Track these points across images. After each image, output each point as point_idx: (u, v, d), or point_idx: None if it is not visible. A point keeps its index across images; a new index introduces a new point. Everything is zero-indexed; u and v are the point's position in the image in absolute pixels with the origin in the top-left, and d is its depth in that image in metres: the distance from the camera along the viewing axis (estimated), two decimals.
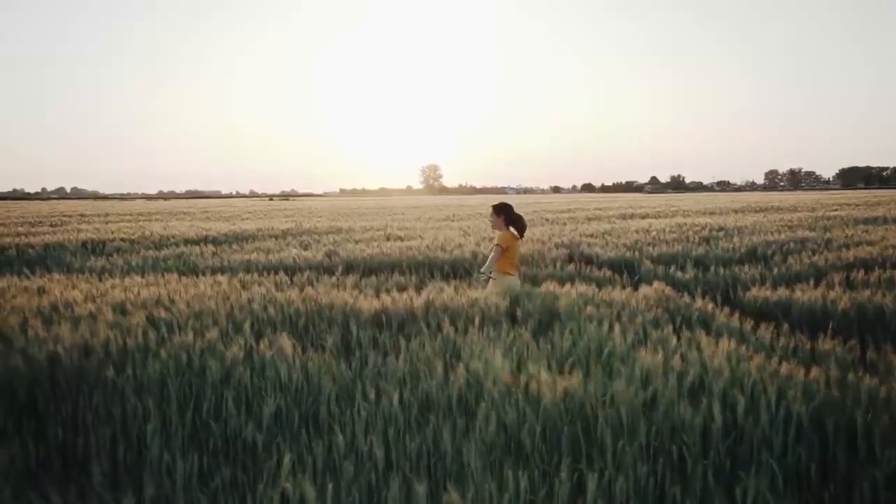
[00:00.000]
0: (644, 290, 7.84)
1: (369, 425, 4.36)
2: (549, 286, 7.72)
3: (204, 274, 10.26)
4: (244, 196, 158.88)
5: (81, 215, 27.35)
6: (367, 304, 6.92)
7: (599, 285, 8.08)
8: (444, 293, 7.28)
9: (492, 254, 7.44)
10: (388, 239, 14.12)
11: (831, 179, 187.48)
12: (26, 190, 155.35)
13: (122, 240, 14.29)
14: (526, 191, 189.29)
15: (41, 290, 7.93)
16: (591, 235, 14.48)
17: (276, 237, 15.01)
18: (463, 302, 6.93)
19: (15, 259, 12.43)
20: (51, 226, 20.60)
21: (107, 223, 21.69)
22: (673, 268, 10.32)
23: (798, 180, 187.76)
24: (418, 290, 8.19)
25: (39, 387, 4.75)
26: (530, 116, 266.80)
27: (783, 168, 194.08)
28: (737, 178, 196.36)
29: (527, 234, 14.86)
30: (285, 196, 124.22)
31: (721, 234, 14.42)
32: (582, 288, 7.65)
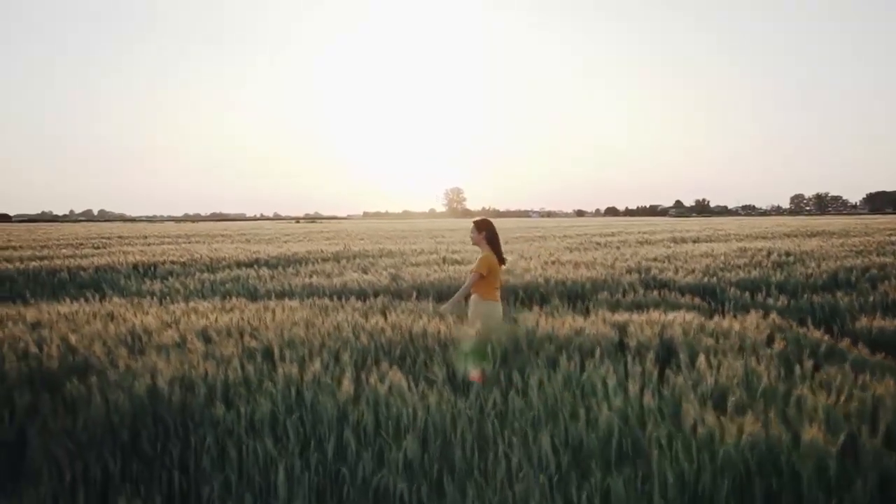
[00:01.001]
0: (749, 318, 7.32)
1: (517, 473, 3.89)
2: (654, 315, 7.22)
3: (268, 298, 9.87)
4: (269, 218, 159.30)
5: (120, 237, 27.15)
6: (465, 332, 6.47)
7: (703, 313, 7.58)
8: (544, 321, 6.80)
9: (468, 280, 6.80)
10: (444, 262, 13.66)
11: (858, 204, 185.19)
12: (54, 212, 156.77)
13: (173, 262, 13.95)
14: (549, 214, 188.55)
15: (111, 316, 7.55)
16: (655, 259, 13.94)
17: (329, 260, 14.59)
18: (567, 331, 6.45)
19: (68, 282, 12.11)
20: (94, 248, 20.35)
21: (149, 245, 21.43)
22: (759, 295, 9.79)
23: (825, 205, 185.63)
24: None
25: (143, 425, 4.32)
26: (552, 140, 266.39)
27: (808, 192, 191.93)
28: (762, 203, 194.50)
29: (589, 257, 14.43)
30: (311, 218, 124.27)
31: (790, 259, 13.81)
32: (688, 316, 7.15)
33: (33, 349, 5.53)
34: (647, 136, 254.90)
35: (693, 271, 11.65)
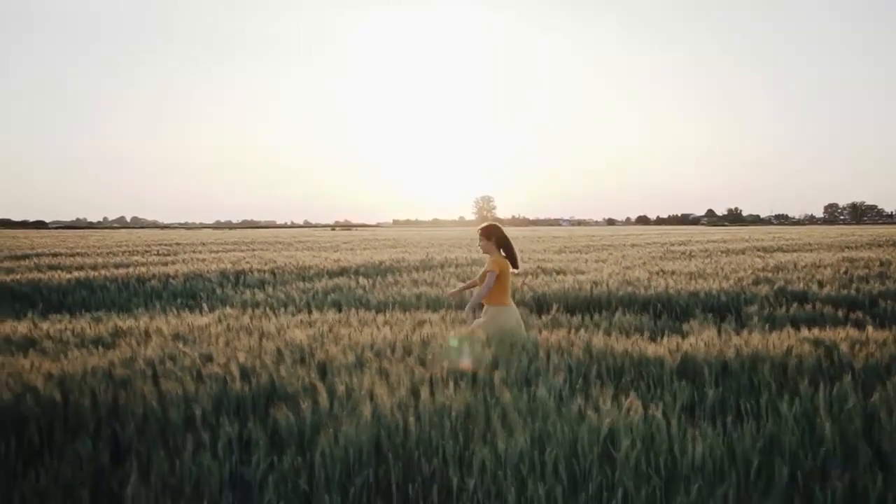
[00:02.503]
0: None
1: None
2: (850, 332, 6.50)
3: (387, 309, 9.25)
4: (300, 226, 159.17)
5: (178, 244, 26.80)
6: (655, 350, 5.84)
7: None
8: (739, 339, 6.13)
9: (486, 281, 6.23)
10: (544, 272, 13.01)
11: (895, 213, 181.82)
12: (89, 219, 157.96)
13: (260, 271, 13.43)
14: (580, 223, 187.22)
15: (248, 330, 6.98)
16: (764, 269, 13.21)
17: (419, 269, 14.00)
18: (777, 350, 5.78)
19: (161, 290, 11.61)
20: (160, 255, 19.95)
21: (215, 252, 20.96)
22: None
23: (860, 214, 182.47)
24: (665, 333, 7.11)
25: (384, 462, 3.71)
26: (580, 148, 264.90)
27: (841, 201, 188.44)
28: (795, 212, 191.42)
29: (692, 266, 13.70)
30: (345, 226, 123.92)
31: None
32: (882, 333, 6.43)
33: (214, 369, 4.95)
34: (676, 143, 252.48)
35: (823, 283, 10.91)
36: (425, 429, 3.92)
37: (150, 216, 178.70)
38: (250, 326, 7.06)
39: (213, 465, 3.67)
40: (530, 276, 12.26)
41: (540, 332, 6.48)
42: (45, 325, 7.19)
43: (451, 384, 4.64)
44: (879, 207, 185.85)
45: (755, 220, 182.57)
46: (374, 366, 5.14)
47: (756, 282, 11.11)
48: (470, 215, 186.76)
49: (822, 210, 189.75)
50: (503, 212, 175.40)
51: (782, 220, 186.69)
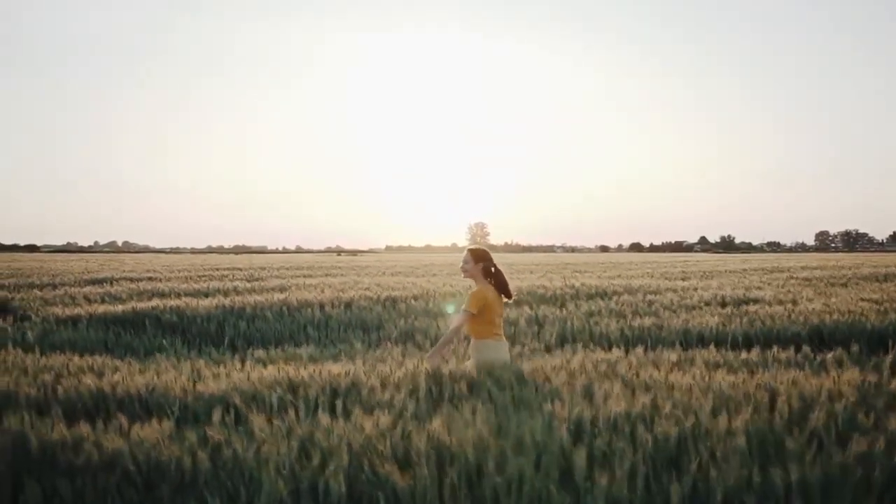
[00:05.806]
0: None
1: None
2: None
3: (633, 344, 7.85)
4: (291, 251, 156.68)
5: (238, 269, 25.24)
6: None
7: None
8: None
9: (454, 322, 5.75)
10: (735, 302, 11.75)
11: (885, 241, 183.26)
12: (80, 243, 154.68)
13: (414, 298, 12.05)
14: (573, 249, 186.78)
15: (607, 376, 5.50)
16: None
17: (582, 298, 12.63)
18: None
19: (324, 320, 10.21)
20: (250, 280, 18.50)
21: (298, 278, 19.50)
22: None
23: (853, 241, 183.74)
24: None
25: None
26: (572, 175, 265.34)
27: (833, 229, 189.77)
28: (786, 239, 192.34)
29: (854, 296, 12.39)
30: (349, 252, 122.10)
31: None
32: None
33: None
34: (669, 171, 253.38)
35: None
36: None
37: (140, 240, 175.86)
38: (606, 373, 5.55)
39: None
40: (730, 307, 10.99)
41: None
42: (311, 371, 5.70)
43: None
44: (870, 235, 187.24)
45: (748, 248, 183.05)
46: None
47: None
48: (463, 241, 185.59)
49: (814, 238, 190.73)
50: (496, 238, 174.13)
51: (774, 247, 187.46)
